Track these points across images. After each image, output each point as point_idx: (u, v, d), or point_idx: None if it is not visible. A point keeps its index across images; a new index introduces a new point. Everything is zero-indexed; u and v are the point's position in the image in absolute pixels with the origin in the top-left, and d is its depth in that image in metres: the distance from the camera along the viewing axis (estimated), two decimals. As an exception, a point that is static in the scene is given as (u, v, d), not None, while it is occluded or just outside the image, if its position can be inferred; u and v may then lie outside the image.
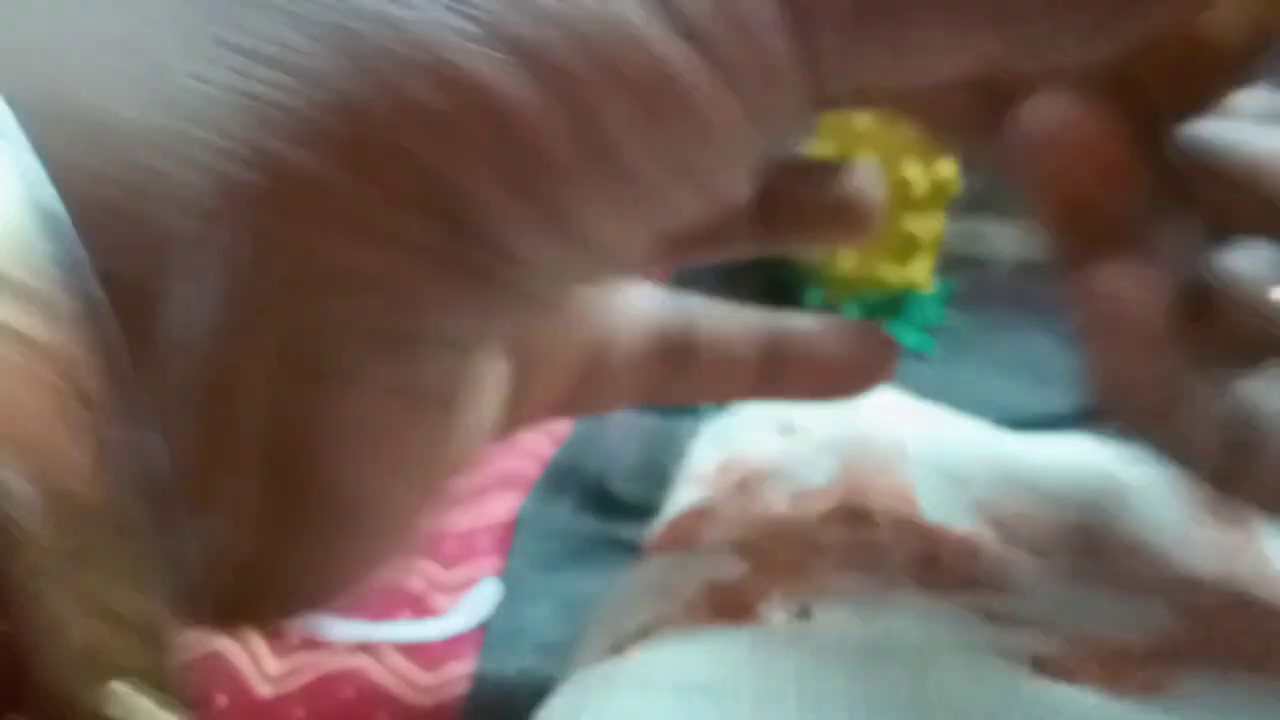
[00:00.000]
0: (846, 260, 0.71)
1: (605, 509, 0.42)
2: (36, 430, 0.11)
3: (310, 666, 0.30)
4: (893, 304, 0.72)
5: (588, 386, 0.26)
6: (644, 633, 0.24)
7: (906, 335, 0.72)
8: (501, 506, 0.42)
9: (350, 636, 0.32)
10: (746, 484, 0.31)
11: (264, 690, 0.29)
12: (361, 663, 0.31)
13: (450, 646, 0.32)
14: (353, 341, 0.14)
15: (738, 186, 0.17)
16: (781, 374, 0.28)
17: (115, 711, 0.11)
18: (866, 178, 0.27)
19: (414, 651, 0.31)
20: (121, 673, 0.11)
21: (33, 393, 0.11)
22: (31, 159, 0.11)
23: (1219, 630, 0.27)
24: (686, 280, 0.68)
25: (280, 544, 0.15)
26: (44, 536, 0.11)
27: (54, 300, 0.11)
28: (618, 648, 0.24)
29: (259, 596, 0.16)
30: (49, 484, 0.11)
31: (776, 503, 0.31)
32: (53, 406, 0.11)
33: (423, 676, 0.31)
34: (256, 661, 0.30)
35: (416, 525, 0.18)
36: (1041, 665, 0.24)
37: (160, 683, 0.12)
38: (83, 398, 0.11)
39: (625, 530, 0.39)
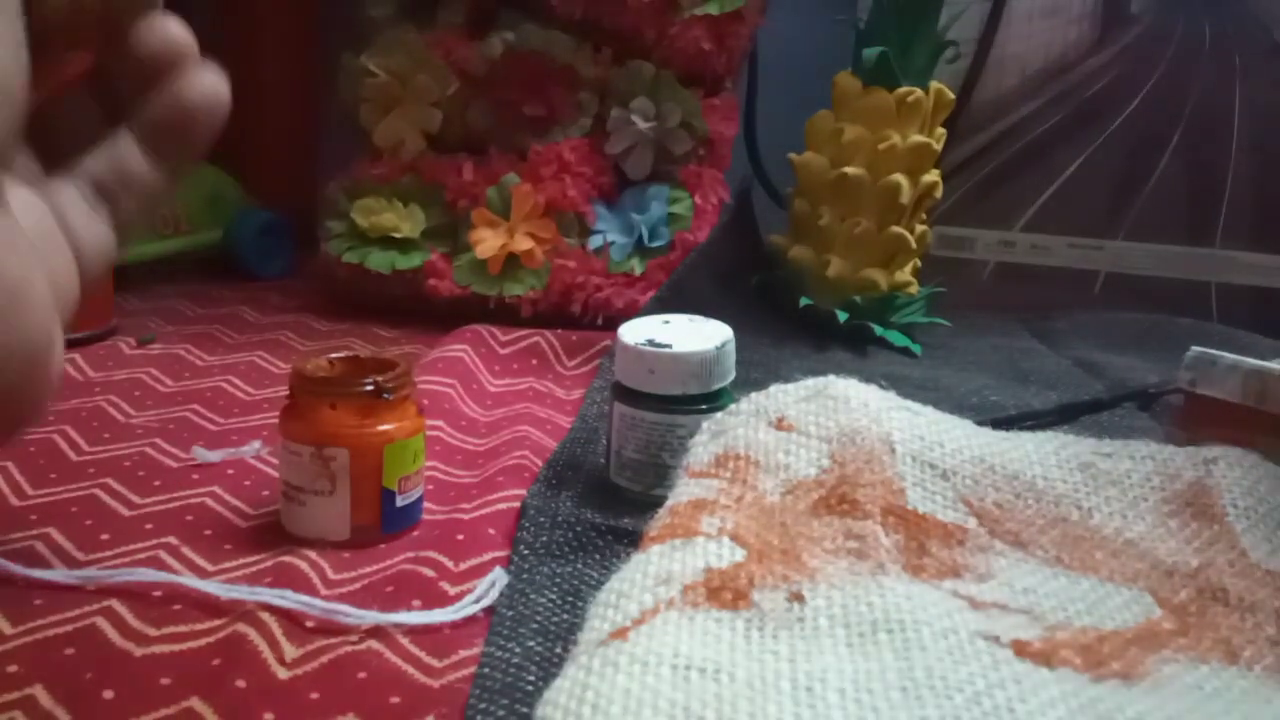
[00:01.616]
0: (837, 265, 0.72)
1: (606, 500, 0.43)
2: None
3: (325, 651, 0.31)
4: (881, 306, 0.74)
5: None
6: (644, 617, 0.25)
7: (894, 336, 0.73)
8: (507, 499, 0.43)
9: (364, 621, 0.32)
10: (742, 476, 0.32)
11: (281, 673, 0.30)
12: (374, 647, 0.32)
13: (459, 631, 0.33)
14: None
15: None
16: None
17: None
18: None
19: (424, 637, 0.32)
20: None
21: None
22: None
23: (1194, 619, 0.28)
24: (683, 284, 0.69)
25: None
26: None
27: None
28: (619, 631, 0.25)
29: None
30: None
31: (771, 493, 0.31)
32: None
33: (432, 660, 0.31)
34: (274, 646, 0.31)
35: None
36: (1022, 650, 0.24)
37: None
38: None
39: (626, 520, 0.40)
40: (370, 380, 0.38)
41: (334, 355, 0.42)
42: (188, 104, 0.30)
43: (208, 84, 0.30)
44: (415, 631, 0.33)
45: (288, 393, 0.39)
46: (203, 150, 0.31)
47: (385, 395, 0.38)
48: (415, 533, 0.40)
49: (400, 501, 0.39)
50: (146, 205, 0.31)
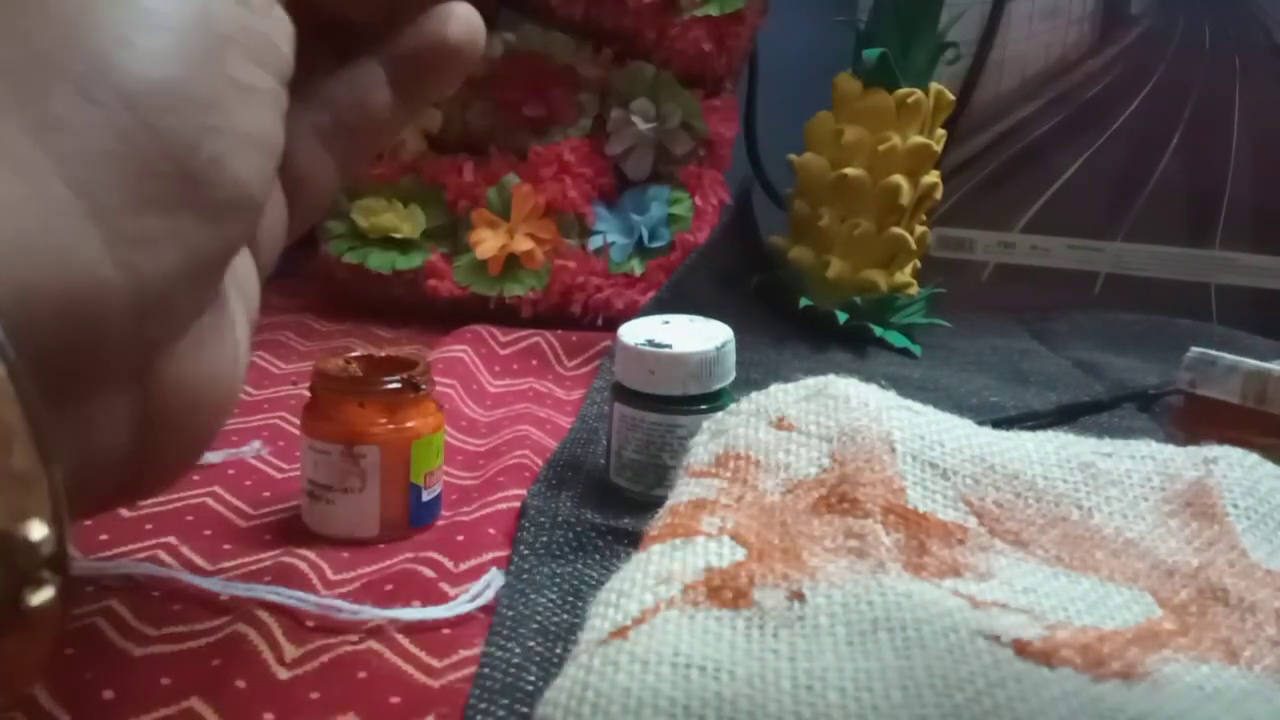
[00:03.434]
0: (837, 266, 0.72)
1: (606, 501, 0.43)
2: None
3: (325, 650, 0.31)
4: (881, 307, 0.74)
5: None
6: (645, 616, 0.25)
7: (894, 337, 0.73)
8: (507, 499, 0.43)
9: (364, 618, 0.32)
10: (743, 475, 0.32)
11: (281, 673, 0.30)
12: (374, 647, 0.32)
13: (459, 632, 0.33)
14: None
15: None
16: None
17: (38, 539, 0.18)
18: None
19: (424, 637, 0.32)
20: (35, 514, 0.18)
21: None
22: None
23: (1195, 619, 0.28)
24: (683, 285, 0.69)
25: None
26: None
27: None
28: (620, 630, 0.25)
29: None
30: None
31: (771, 493, 0.31)
32: None
33: (432, 660, 0.31)
34: (274, 645, 0.31)
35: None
36: (1023, 649, 0.24)
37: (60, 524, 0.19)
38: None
39: (626, 520, 0.40)
40: (400, 376, 0.39)
41: (350, 355, 0.42)
42: (449, 40, 0.29)
43: (467, 18, 0.29)
44: (415, 631, 0.33)
45: (310, 392, 0.40)
46: (452, 88, 0.30)
47: (420, 389, 0.39)
48: (418, 533, 0.40)
49: (425, 496, 0.40)
50: (380, 144, 0.30)
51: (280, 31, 0.25)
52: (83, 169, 0.20)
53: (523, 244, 0.73)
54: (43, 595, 0.19)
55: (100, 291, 0.20)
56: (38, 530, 0.18)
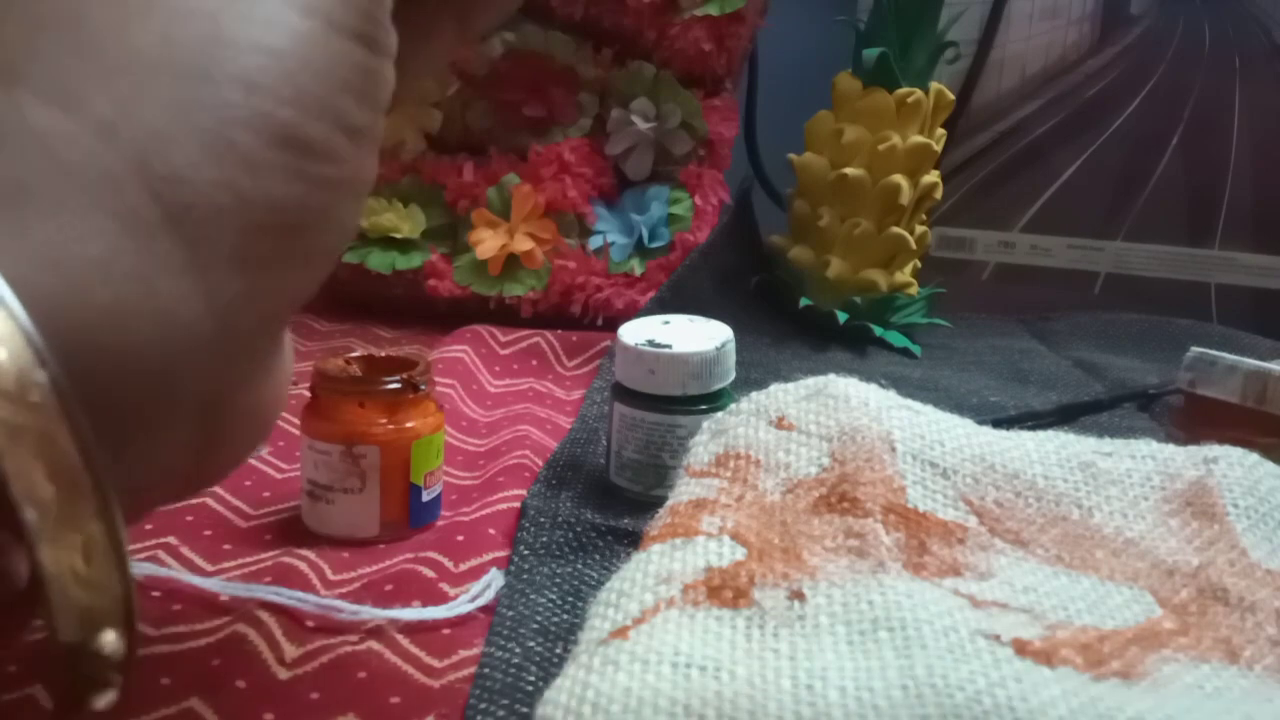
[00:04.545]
0: (837, 266, 0.72)
1: (606, 501, 0.43)
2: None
3: (325, 651, 0.31)
4: (881, 307, 0.74)
5: None
6: (645, 616, 0.25)
7: (894, 337, 0.73)
8: (507, 499, 0.43)
9: (364, 618, 0.32)
10: (743, 475, 0.32)
11: (281, 673, 0.30)
12: (374, 647, 0.32)
13: (459, 632, 0.33)
14: None
15: None
16: None
17: (109, 650, 0.18)
18: None
19: (424, 637, 0.32)
20: (109, 624, 0.18)
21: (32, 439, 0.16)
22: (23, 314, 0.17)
23: (1195, 619, 0.28)
24: (683, 285, 0.69)
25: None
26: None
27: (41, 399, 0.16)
28: (620, 630, 0.25)
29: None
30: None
31: (771, 492, 0.31)
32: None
33: (432, 660, 0.31)
34: (274, 646, 0.31)
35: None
36: (1023, 649, 0.24)
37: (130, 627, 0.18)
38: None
39: (626, 521, 0.40)
40: (400, 376, 0.39)
41: (350, 355, 0.42)
42: None
43: None
44: (415, 631, 0.33)
45: (310, 392, 0.40)
46: (505, 18, 0.29)
47: (420, 389, 0.39)
48: (418, 533, 0.40)
49: (425, 497, 0.40)
50: (430, 74, 0.29)
51: (392, 56, 0.24)
52: (194, 224, 0.19)
53: (523, 244, 0.73)
54: (107, 698, 0.18)
55: (193, 348, 0.20)
56: (111, 642, 0.18)
